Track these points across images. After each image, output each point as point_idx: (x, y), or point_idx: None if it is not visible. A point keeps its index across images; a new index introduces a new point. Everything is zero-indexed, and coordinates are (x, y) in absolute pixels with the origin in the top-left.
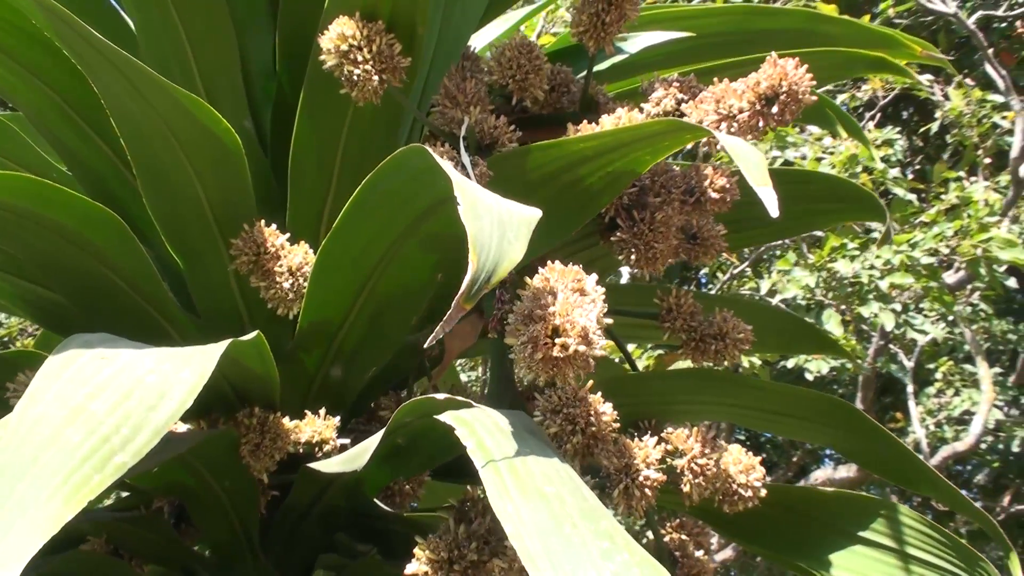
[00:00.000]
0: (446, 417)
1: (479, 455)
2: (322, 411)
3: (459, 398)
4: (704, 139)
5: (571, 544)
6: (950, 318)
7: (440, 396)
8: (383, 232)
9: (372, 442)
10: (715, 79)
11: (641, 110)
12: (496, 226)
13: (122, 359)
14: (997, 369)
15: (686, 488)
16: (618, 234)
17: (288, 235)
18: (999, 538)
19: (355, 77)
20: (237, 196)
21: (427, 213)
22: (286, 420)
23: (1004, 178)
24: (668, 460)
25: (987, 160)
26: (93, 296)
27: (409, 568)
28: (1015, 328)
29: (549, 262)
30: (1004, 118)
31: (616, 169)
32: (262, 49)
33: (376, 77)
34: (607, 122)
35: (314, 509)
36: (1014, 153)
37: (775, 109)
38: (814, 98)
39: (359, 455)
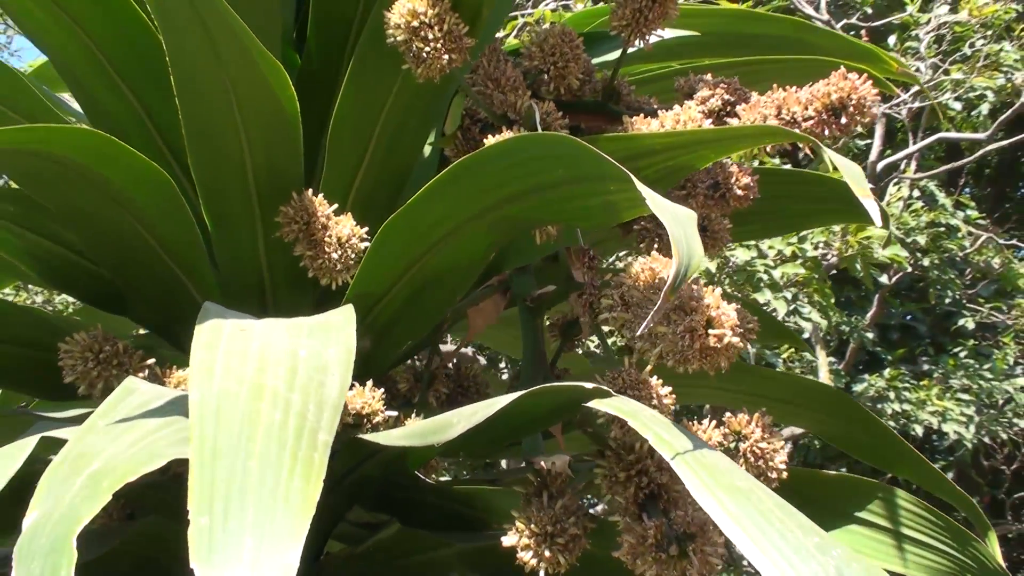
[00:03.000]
0: (606, 407)
1: (664, 449)
2: (369, 383)
3: (604, 387)
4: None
5: (787, 538)
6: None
7: (588, 385)
8: (458, 210)
9: (461, 419)
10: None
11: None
12: (678, 223)
13: (256, 331)
14: (831, 359)
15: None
16: (642, 223)
17: (335, 206)
18: (978, 519)
19: (424, 55)
20: (285, 164)
21: (514, 198)
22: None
23: None
24: (725, 443)
25: None
26: (122, 254)
27: (507, 540)
28: (848, 320)
29: (654, 252)
30: None
31: (677, 164)
32: (284, 15)
33: (446, 56)
34: (667, 118)
35: (348, 479)
36: (872, 156)
37: (843, 120)
38: (876, 111)
39: (437, 430)
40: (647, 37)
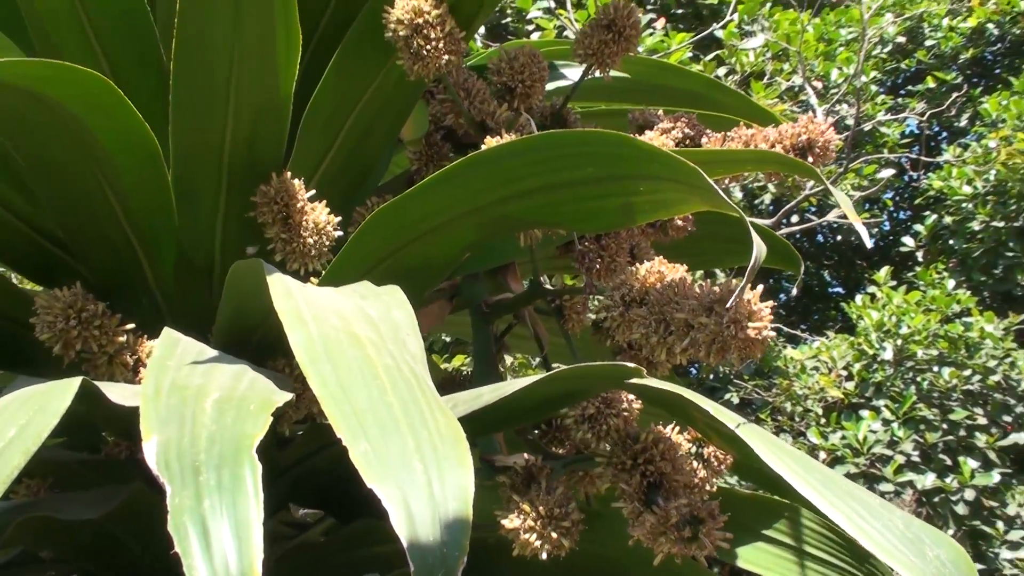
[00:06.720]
0: (654, 383)
1: (726, 419)
2: None
3: (639, 367)
4: None
5: (854, 496)
6: None
7: (630, 364)
8: (456, 204)
9: (459, 403)
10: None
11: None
12: (747, 217)
13: (308, 290)
14: None
15: (703, 474)
16: (585, 244)
17: (314, 191)
18: None
19: (424, 52)
20: (266, 145)
21: (520, 196)
22: None
23: None
24: (692, 449)
25: None
26: (82, 219)
27: (509, 523)
28: None
29: (658, 258)
30: None
31: None
32: None
33: (445, 57)
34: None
35: (293, 471)
36: None
37: (809, 159)
38: (834, 154)
39: None
40: (607, 69)
